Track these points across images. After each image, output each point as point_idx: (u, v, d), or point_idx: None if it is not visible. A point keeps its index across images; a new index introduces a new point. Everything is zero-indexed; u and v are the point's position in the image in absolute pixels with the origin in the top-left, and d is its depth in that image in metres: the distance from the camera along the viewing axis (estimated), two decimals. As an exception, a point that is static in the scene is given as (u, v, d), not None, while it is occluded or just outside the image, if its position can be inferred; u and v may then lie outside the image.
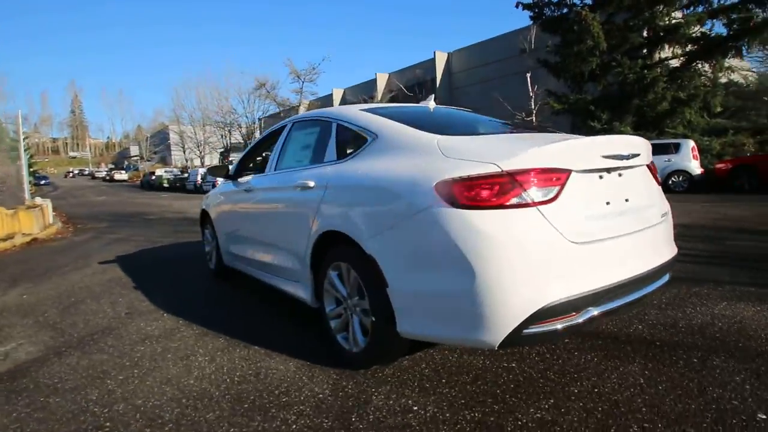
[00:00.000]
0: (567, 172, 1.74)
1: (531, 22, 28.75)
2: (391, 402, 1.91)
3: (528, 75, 29.02)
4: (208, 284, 4.19)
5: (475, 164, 1.71)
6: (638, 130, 13.76)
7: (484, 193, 1.64)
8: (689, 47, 13.88)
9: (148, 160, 49.04)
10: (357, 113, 2.48)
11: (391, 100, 32.65)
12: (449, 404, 1.87)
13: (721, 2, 13.61)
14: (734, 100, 13.96)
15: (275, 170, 3.03)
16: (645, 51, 15.30)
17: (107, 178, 49.64)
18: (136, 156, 57.98)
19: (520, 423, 1.72)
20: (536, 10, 16.82)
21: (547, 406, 1.82)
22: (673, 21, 13.73)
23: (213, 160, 42.35)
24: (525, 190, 1.65)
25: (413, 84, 34.49)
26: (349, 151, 2.37)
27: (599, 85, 15.66)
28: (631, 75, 13.79)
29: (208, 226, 4.45)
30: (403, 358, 2.29)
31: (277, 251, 2.89)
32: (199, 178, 28.66)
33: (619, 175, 1.98)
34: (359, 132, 2.34)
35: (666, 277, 2.15)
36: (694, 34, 13.54)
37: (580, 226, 1.74)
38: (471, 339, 1.72)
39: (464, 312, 1.68)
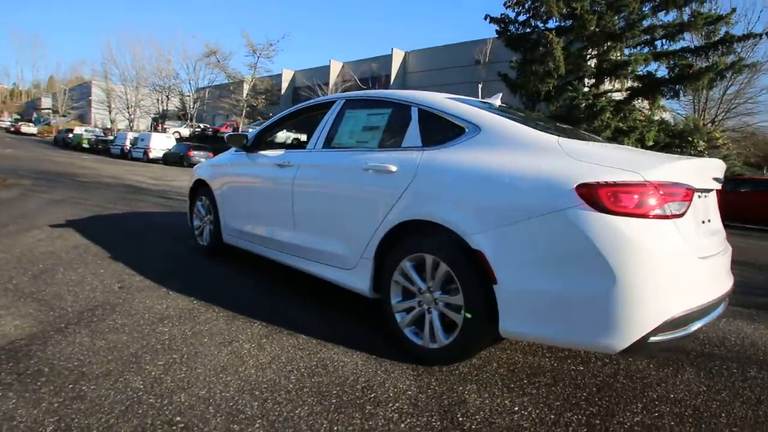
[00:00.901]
0: (693, 190, 1.79)
1: (489, 36, 30.02)
2: (487, 401, 1.85)
3: (480, 86, 30.31)
4: (203, 261, 3.78)
5: (617, 171, 1.69)
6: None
7: (631, 201, 1.63)
8: (634, 83, 15.25)
9: (63, 116, 43.67)
10: (447, 101, 2.36)
11: (345, 90, 32.20)
12: (546, 405, 1.85)
13: (664, 47, 15.14)
14: (663, 136, 15.57)
15: (324, 148, 2.80)
16: (594, 81, 16.55)
17: (11, 129, 43.50)
18: (47, 109, 51.36)
19: (624, 426, 1.74)
20: (502, 26, 17.45)
21: (639, 410, 1.87)
22: (623, 57, 15.00)
23: (143, 125, 38.77)
24: (666, 203, 1.67)
25: (368, 77, 34.30)
26: (438, 140, 2.25)
27: (552, 106, 16.64)
28: (584, 101, 14.84)
29: (202, 198, 4.03)
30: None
31: (323, 235, 2.68)
32: (127, 142, 26.18)
33: (706, 196, 2.08)
34: (453, 121, 2.23)
35: (724, 305, 2.08)
36: (639, 72, 14.89)
37: (696, 242, 1.80)
38: (591, 342, 1.70)
39: (593, 315, 1.66)
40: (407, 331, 2.22)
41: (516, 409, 1.81)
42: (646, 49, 15.22)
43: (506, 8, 16.67)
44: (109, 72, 35.69)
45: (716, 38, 14.00)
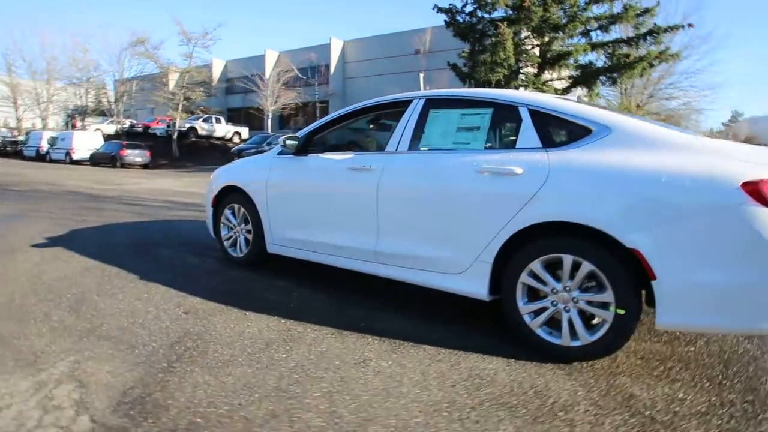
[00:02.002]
0: None
1: (428, 26, 30.39)
2: (651, 392, 1.90)
3: (421, 75, 30.71)
4: (249, 275, 3.48)
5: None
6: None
7: None
8: (575, 72, 16.29)
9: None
10: (559, 101, 2.37)
11: (287, 81, 31.05)
12: (703, 390, 1.95)
13: (599, 38, 16.31)
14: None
15: (410, 150, 2.70)
16: (536, 70, 17.44)
17: None
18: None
19: (779, 402, 1.89)
20: (450, 16, 17.76)
21: (776, 385, 2.03)
22: (565, 48, 15.95)
23: (51, 122, 34.63)
24: None
25: (306, 67, 33.44)
26: (561, 141, 2.26)
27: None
28: (544, 89, 15.60)
29: (233, 206, 3.72)
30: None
31: (419, 240, 2.59)
32: (44, 143, 23.43)
33: None
34: (576, 122, 2.23)
35: None
36: (581, 62, 15.93)
37: None
38: (760, 327, 1.83)
39: (761, 302, 1.78)
40: (540, 331, 2.23)
41: (681, 396, 1.90)
42: (583, 40, 16.30)
43: (453, -2, 16.98)
44: (14, 64, 31.42)
45: (645, 30, 15.31)
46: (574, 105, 2.34)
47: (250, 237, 3.64)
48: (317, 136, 3.33)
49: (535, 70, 17.33)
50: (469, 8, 17.45)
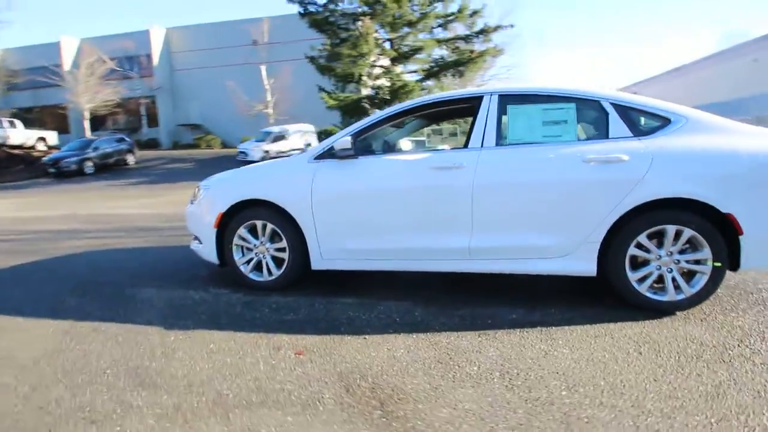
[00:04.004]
0: None
1: (264, 15, 29.10)
2: (736, 328, 2.47)
3: (263, 68, 29.41)
4: (289, 298, 3.05)
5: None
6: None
7: None
8: (428, 66, 17.85)
9: None
10: (635, 96, 2.78)
11: (95, 71, 25.87)
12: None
13: (441, 35, 18.20)
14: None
15: (497, 145, 2.77)
16: (390, 64, 18.54)
17: None
18: None
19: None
20: (303, 6, 17.46)
21: (790, 298, 2.83)
22: (419, 43, 17.31)
23: None
24: None
25: (121, 56, 28.74)
26: (646, 130, 2.64)
27: (364, 87, 17.92)
28: (398, 83, 16.56)
29: (253, 224, 3.18)
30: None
31: (523, 230, 2.72)
32: None
33: None
34: (657, 113, 2.65)
35: None
36: (434, 56, 17.55)
37: None
38: None
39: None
40: (648, 293, 2.62)
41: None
42: (428, 36, 17.96)
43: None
44: None
45: (477, 29, 17.67)
46: (647, 99, 2.76)
47: (283, 255, 3.18)
48: (361, 138, 3.11)
49: (389, 64, 18.40)
50: (322, 0, 17.45)
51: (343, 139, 2.94)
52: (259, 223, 3.20)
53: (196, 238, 3.52)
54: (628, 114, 2.69)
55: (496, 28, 17.41)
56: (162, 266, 4.11)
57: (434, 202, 2.85)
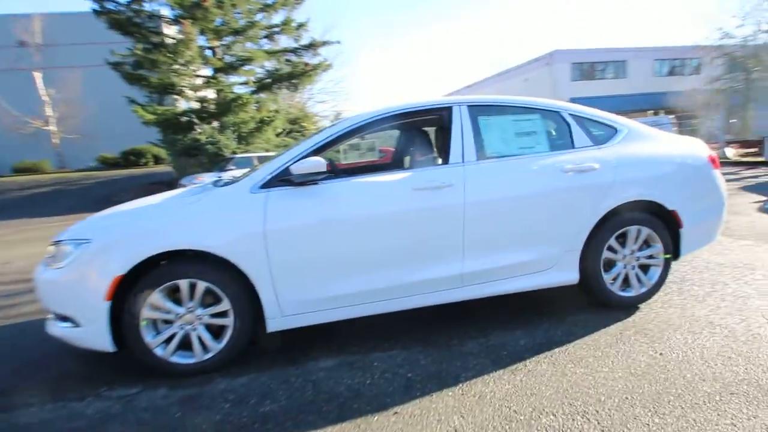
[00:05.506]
0: None
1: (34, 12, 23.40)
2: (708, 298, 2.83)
3: (39, 75, 23.97)
4: (267, 380, 2.24)
5: (706, 147, 3.01)
6: (239, 144, 15.38)
7: (717, 162, 2.96)
8: (261, 78, 16.75)
9: None
10: (586, 108, 2.89)
11: None
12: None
13: (270, 47, 17.34)
14: (287, 123, 18.26)
15: (478, 159, 2.54)
16: (216, 74, 16.89)
17: None
18: None
19: None
20: (99, 4, 14.51)
21: (691, 274, 3.39)
22: (247, 53, 16.07)
23: None
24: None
25: None
26: (601, 139, 2.78)
27: (186, 99, 15.81)
28: (230, 94, 15.05)
29: (175, 283, 2.25)
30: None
31: (511, 248, 2.56)
32: None
33: None
34: (608, 123, 2.84)
35: None
36: (267, 67, 16.53)
37: None
38: (714, 239, 3.01)
39: (713, 221, 2.95)
40: (620, 291, 2.78)
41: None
42: (254, 47, 16.92)
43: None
44: None
45: (306, 42, 17.50)
46: (594, 110, 2.92)
47: (223, 322, 2.35)
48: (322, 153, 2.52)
49: (211, 74, 16.74)
50: (125, -1, 14.80)
51: (310, 161, 2.30)
52: (183, 283, 2.28)
53: (64, 318, 2.33)
54: (585, 124, 2.81)
55: (324, 42, 17.54)
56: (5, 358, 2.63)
57: (423, 227, 2.47)
